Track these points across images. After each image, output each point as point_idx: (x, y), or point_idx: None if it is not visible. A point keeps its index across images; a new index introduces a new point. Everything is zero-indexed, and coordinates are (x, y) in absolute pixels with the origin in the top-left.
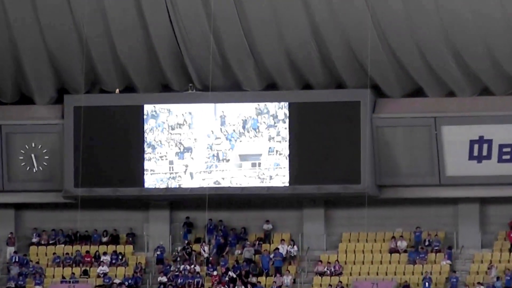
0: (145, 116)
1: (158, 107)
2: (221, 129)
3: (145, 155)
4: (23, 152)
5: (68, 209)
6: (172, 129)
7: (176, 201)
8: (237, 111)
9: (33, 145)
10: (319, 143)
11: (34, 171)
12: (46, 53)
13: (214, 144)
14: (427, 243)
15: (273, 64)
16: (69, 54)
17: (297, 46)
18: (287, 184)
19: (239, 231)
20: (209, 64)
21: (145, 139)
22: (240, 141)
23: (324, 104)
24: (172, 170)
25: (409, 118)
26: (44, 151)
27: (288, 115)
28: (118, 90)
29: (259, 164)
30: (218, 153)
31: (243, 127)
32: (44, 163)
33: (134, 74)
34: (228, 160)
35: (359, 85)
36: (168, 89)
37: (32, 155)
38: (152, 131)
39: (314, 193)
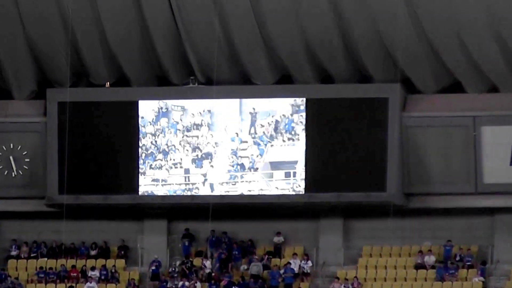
0: (154, 114)
1: (170, 103)
2: (249, 130)
3: (155, 162)
4: (0, 154)
5: (51, 219)
6: (188, 130)
7: (175, 210)
8: (268, 108)
9: (11, 146)
10: (339, 145)
11: (13, 175)
12: (25, 40)
13: (239, 150)
14: (458, 258)
15: (288, 54)
16: (51, 40)
17: (317, 33)
18: (302, 192)
19: (246, 244)
20: (214, 53)
21: (140, 138)
22: (272, 145)
23: (346, 101)
24: (188, 180)
25: (444, 117)
26: (24, 153)
27: (304, 112)
28: (108, 83)
29: (294, 173)
30: (243, 161)
31: (275, 129)
32: (24, 166)
33: (126, 64)
34: (256, 169)
35: (387, 79)
36: (166, 82)
37: (11, 158)
38: (163, 133)
39: (332, 202)
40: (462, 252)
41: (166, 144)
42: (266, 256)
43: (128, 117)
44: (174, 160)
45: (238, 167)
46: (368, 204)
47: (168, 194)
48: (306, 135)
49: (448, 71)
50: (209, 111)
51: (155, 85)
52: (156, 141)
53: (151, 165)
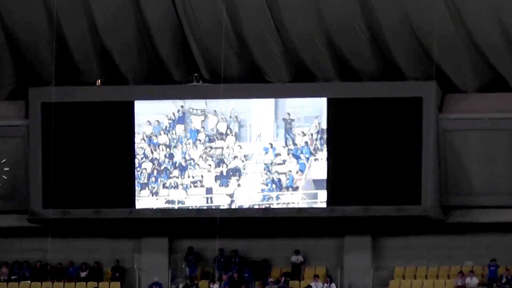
0: (168, 120)
1: (188, 104)
2: (285, 140)
3: (170, 180)
4: None
5: (35, 236)
6: (211, 140)
7: (177, 225)
8: (311, 111)
9: None
10: (367, 152)
11: None
12: (2, 31)
13: (274, 164)
14: (504, 280)
15: (307, 48)
16: (34, 32)
17: (339, 22)
18: (325, 205)
19: (259, 264)
20: (221, 46)
21: (135, 143)
22: (316, 159)
23: (374, 101)
24: (211, 202)
25: (487, 119)
26: (3, 161)
27: (326, 114)
28: (99, 81)
29: None
30: (280, 177)
31: (319, 138)
32: (4, 176)
33: (120, 59)
34: (296, 188)
35: (421, 75)
36: (165, 80)
37: None
38: (181, 142)
39: (359, 216)
40: (510, 273)
41: (184, 158)
42: (283, 278)
43: (122, 120)
44: (193, 177)
45: (273, 185)
46: (400, 218)
47: (169, 207)
48: (328, 140)
49: (490, 66)
50: (236, 117)
51: (152, 83)
52: (170, 154)
53: (165, 183)
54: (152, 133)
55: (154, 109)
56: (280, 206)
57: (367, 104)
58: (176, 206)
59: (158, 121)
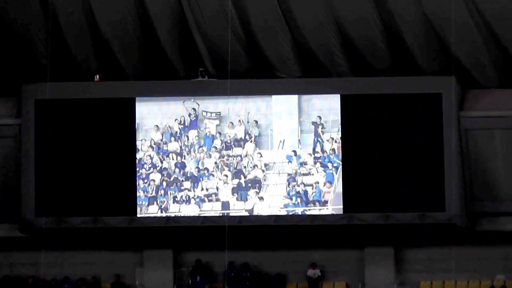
0: (179, 125)
1: (203, 105)
2: (313, 147)
3: (181, 194)
4: None
5: (27, 247)
6: (227, 147)
7: (183, 236)
8: (336, 114)
9: None
10: (384, 153)
11: None
12: None
13: (299, 174)
14: None
15: (318, 40)
16: (26, 22)
17: (351, 14)
18: (341, 212)
19: (273, 279)
20: (227, 39)
21: (136, 145)
22: None
23: (391, 98)
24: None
25: None
26: None
27: (339, 112)
28: (98, 76)
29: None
30: (306, 189)
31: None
32: None
33: (120, 53)
34: (324, 203)
35: (439, 70)
36: (169, 75)
37: None
38: (193, 150)
39: (379, 225)
40: None
41: (197, 168)
42: None
43: (123, 118)
44: (207, 190)
45: (298, 199)
46: (424, 227)
47: (173, 215)
48: (342, 140)
49: None
50: (255, 121)
51: (153, 79)
52: (181, 163)
53: (176, 197)
54: (161, 140)
55: (162, 112)
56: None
57: (383, 101)
58: (150, 207)
59: (168, 126)
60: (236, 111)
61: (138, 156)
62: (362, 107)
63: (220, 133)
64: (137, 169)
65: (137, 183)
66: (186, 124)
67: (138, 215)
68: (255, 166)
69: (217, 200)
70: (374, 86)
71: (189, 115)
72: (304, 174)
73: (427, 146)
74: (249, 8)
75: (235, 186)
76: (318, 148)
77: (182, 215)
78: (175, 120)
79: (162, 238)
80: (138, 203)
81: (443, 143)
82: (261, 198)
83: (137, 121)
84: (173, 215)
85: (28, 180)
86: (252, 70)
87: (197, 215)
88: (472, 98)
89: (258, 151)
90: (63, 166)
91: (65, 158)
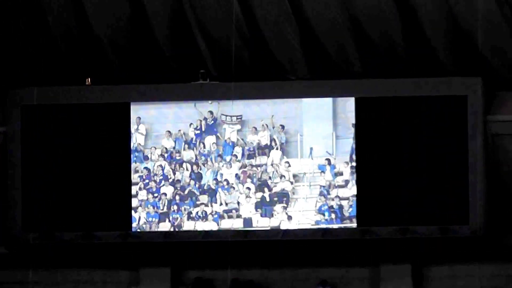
0: (195, 131)
1: (222, 107)
2: (351, 154)
3: (196, 209)
4: None
5: (14, 265)
6: (250, 156)
7: (182, 252)
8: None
9: None
10: (402, 160)
11: None
12: None
13: (333, 187)
14: None
15: (331, 38)
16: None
17: (367, 8)
18: (355, 225)
19: None
20: (231, 38)
21: (132, 153)
22: None
23: (410, 101)
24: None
25: None
26: None
27: (354, 116)
28: (89, 80)
29: None
30: (341, 203)
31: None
32: None
33: (113, 54)
34: None
35: (464, 70)
36: (167, 78)
37: None
38: (211, 159)
39: (396, 239)
40: None
41: (215, 179)
42: None
43: (117, 124)
44: (227, 205)
45: (332, 215)
46: (445, 241)
47: (172, 230)
48: (357, 147)
49: None
50: (282, 126)
51: (150, 83)
52: (198, 174)
53: (190, 213)
54: (173, 148)
55: (175, 116)
56: (303, 226)
57: (401, 104)
58: (162, 225)
59: (182, 131)
60: (259, 114)
61: (148, 166)
62: (379, 111)
63: (241, 140)
64: (147, 181)
65: (146, 197)
66: (202, 130)
67: (133, 230)
68: (282, 177)
69: (238, 216)
70: (392, 88)
71: (205, 119)
72: (339, 186)
73: (450, 153)
74: (256, 4)
75: (259, 200)
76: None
77: (181, 229)
78: (190, 125)
79: (159, 254)
80: (148, 219)
81: (468, 150)
82: (289, 215)
83: (146, 126)
84: (171, 229)
85: (14, 191)
86: (258, 72)
87: (197, 229)
88: (500, 101)
89: (285, 160)
90: (52, 176)
91: (55, 168)
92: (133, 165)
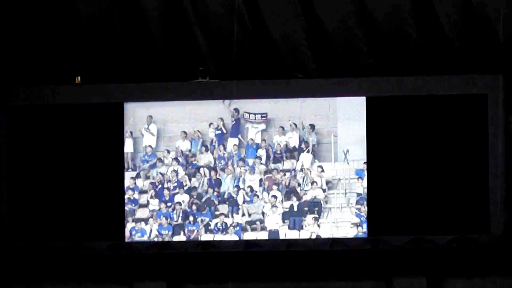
0: (215, 131)
1: (247, 105)
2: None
3: (216, 220)
4: None
5: None
6: (276, 160)
7: (179, 264)
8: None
9: None
10: (417, 164)
11: None
12: None
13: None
14: None
15: (341, 34)
16: None
17: (381, 2)
18: (365, 235)
19: None
20: (233, 33)
21: (125, 157)
22: None
23: (426, 100)
24: None
25: None
26: None
27: (365, 117)
28: (79, 78)
29: None
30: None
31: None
32: None
33: (106, 50)
34: None
35: (484, 67)
36: (163, 76)
37: None
38: (232, 163)
39: (409, 249)
40: None
41: (236, 186)
42: None
43: (110, 126)
44: (250, 215)
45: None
46: (464, 252)
47: (167, 240)
48: (368, 149)
49: None
50: (312, 125)
51: (144, 81)
52: (216, 180)
53: (208, 225)
54: (189, 151)
55: (193, 114)
56: (308, 236)
57: (417, 104)
58: (176, 238)
59: (199, 132)
60: (287, 112)
61: (160, 171)
62: (392, 111)
63: (265, 141)
64: (160, 187)
65: (159, 207)
66: (224, 130)
67: (126, 240)
68: (313, 183)
69: (263, 228)
70: (407, 87)
71: (231, 118)
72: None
73: (469, 156)
74: None
75: (287, 210)
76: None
77: (178, 239)
78: (210, 124)
79: (153, 267)
80: (161, 232)
81: (488, 152)
82: (320, 226)
83: (157, 126)
84: (166, 239)
85: (0, 198)
86: (261, 70)
87: (196, 240)
88: None
89: (318, 164)
90: (39, 181)
91: (42, 173)
92: (143, 171)
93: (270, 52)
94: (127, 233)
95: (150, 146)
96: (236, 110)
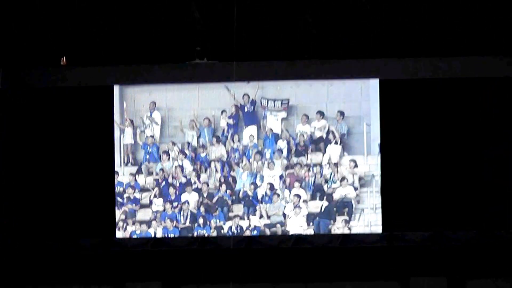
0: (228, 120)
1: (265, 88)
2: None
3: (229, 223)
4: None
5: None
6: (299, 153)
7: (175, 263)
8: None
9: None
10: (436, 154)
11: None
12: None
13: None
14: None
15: (350, 11)
16: None
17: None
18: (379, 230)
19: None
20: (232, 11)
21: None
22: None
23: (447, 84)
24: None
25: None
26: None
27: (378, 103)
28: (64, 59)
29: None
30: None
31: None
32: None
33: (94, 29)
34: None
35: (508, 48)
36: (158, 57)
37: None
38: (247, 157)
39: (428, 247)
40: None
41: (253, 183)
42: None
43: (98, 112)
44: (269, 217)
45: None
46: (486, 249)
47: (163, 236)
48: (382, 138)
49: None
50: (341, 113)
51: (140, 63)
52: (229, 178)
53: (221, 228)
54: (198, 143)
55: (202, 100)
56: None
57: (438, 88)
58: (172, 234)
59: (208, 120)
60: (312, 97)
61: (165, 166)
62: (409, 96)
63: (286, 131)
64: (164, 184)
65: (163, 207)
66: (239, 118)
67: (117, 237)
68: (343, 180)
69: (284, 232)
70: (426, 69)
71: (241, 106)
72: None
73: (495, 144)
74: None
75: (312, 211)
76: None
77: (174, 236)
78: (222, 112)
79: (147, 265)
80: (165, 235)
81: None
82: (351, 229)
83: (162, 113)
84: (160, 228)
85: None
86: (262, 50)
87: (195, 235)
88: None
89: (349, 158)
90: (21, 175)
91: (23, 164)
92: (145, 166)
93: (273, 32)
94: (126, 235)
95: (152, 136)
96: (248, 96)
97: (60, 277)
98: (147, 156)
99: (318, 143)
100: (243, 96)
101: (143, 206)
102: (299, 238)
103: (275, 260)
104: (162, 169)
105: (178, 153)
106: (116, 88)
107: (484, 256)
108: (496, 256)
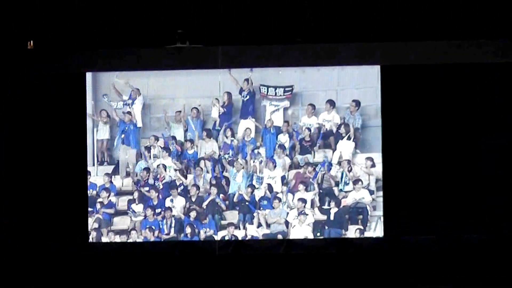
0: (220, 109)
1: (261, 75)
2: None
3: (222, 233)
4: None
5: None
6: (304, 150)
7: (154, 269)
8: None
9: None
10: (443, 150)
11: None
12: None
13: None
14: None
15: None
16: None
17: None
18: (380, 234)
19: None
20: None
21: (88, 144)
22: None
23: (453, 70)
24: None
25: None
26: None
27: (379, 91)
28: (31, 42)
29: None
30: None
31: None
32: None
33: (61, 7)
34: None
35: None
36: (135, 41)
37: None
38: (243, 155)
39: (432, 251)
40: None
41: (250, 185)
42: None
43: (69, 101)
44: (268, 225)
45: None
46: (495, 253)
47: (145, 240)
48: (383, 131)
49: None
50: (356, 102)
51: (116, 47)
52: (222, 179)
53: (212, 238)
54: (185, 137)
55: (190, 86)
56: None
57: (441, 74)
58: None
59: (197, 110)
60: (320, 83)
61: (146, 165)
62: (412, 83)
63: (290, 124)
64: (146, 188)
65: (144, 214)
66: (232, 109)
67: (90, 240)
68: (357, 182)
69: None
70: (429, 54)
71: (241, 91)
72: None
73: (504, 136)
74: None
75: (320, 219)
76: None
77: (153, 239)
78: (214, 100)
79: (125, 273)
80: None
81: None
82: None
83: (147, 102)
84: (139, 239)
85: None
86: (250, 34)
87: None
88: None
89: (364, 156)
90: None
91: None
92: (122, 166)
93: (263, 13)
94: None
95: (130, 113)
96: (247, 81)
97: (60, 277)
98: (122, 136)
99: (327, 138)
100: (243, 81)
101: (120, 213)
102: (292, 242)
103: (265, 267)
104: (144, 169)
105: (161, 149)
106: (88, 75)
107: (498, 263)
108: (503, 261)
